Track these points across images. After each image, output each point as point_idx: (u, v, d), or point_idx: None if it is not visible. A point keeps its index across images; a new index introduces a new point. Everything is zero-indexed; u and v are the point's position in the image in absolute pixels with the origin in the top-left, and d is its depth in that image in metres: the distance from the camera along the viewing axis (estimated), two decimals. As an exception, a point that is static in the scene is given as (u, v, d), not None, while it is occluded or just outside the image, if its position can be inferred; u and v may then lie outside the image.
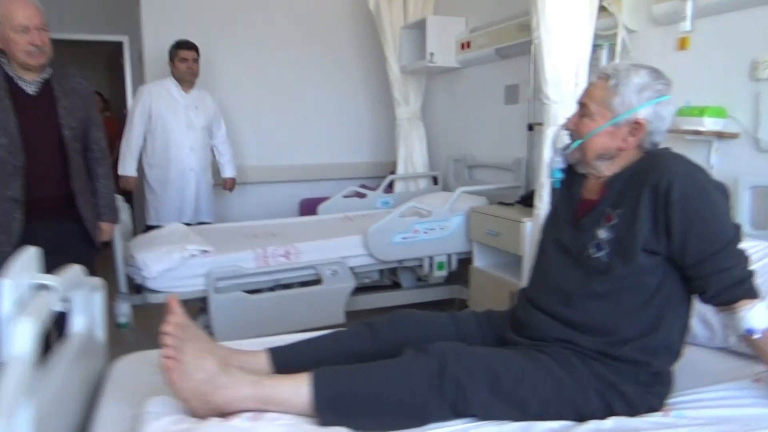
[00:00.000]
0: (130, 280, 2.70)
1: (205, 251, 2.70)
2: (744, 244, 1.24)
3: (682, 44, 2.33)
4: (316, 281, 2.87)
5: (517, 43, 3.10)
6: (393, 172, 4.12)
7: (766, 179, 2.00)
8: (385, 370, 1.17)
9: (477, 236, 2.98)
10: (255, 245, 2.83)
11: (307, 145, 4.57)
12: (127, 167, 3.53)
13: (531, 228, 2.61)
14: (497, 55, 3.37)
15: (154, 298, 2.66)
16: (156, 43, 4.03)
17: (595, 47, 2.63)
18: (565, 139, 1.42)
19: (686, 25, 2.16)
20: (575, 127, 1.36)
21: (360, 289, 3.15)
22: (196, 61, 3.55)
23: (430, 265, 3.06)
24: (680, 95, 2.30)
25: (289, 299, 2.83)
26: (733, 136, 2.16)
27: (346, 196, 3.83)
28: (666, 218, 1.20)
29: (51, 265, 1.93)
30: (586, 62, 2.50)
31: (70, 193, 2.14)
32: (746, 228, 1.98)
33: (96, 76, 6.90)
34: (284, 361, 1.28)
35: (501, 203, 3.08)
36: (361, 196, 3.86)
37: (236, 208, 4.35)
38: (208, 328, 2.71)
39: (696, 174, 1.22)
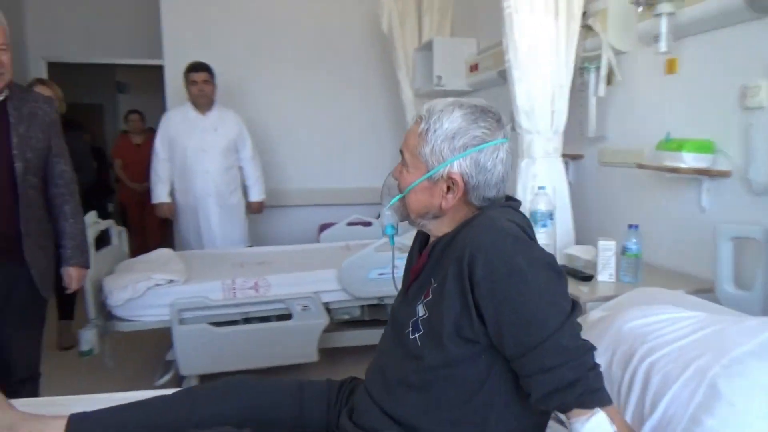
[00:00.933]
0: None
1: (171, 281, 2.67)
2: (586, 328, 0.99)
3: (670, 67, 2.02)
4: (288, 316, 2.76)
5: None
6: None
7: (750, 229, 1.64)
8: None
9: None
10: (225, 276, 2.77)
11: (329, 168, 4.51)
12: (157, 194, 3.61)
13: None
14: (500, 78, 3.13)
15: (119, 326, 2.67)
16: (177, 67, 4.16)
17: (582, 70, 2.35)
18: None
19: (661, 45, 1.85)
20: (399, 178, 1.14)
21: (345, 323, 3.01)
22: (207, 82, 3.52)
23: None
24: (665, 125, 2.00)
25: (258, 333, 2.73)
26: (723, 174, 1.82)
27: (350, 224, 3.70)
28: (474, 301, 0.97)
29: None
30: (565, 88, 2.24)
31: (15, 233, 1.87)
32: (728, 288, 1.65)
33: (155, 100, 7.28)
34: None
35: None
36: (366, 224, 3.71)
37: (269, 230, 4.35)
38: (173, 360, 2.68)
39: (505, 245, 0.95)
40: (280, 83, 4.37)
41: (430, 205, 1.08)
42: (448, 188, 1.06)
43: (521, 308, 0.93)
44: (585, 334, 0.98)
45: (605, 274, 1.91)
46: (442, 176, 1.05)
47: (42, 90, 2.73)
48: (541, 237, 2.09)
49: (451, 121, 1.05)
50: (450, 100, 1.09)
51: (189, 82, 3.53)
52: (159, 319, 2.65)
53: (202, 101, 3.55)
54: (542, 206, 2.10)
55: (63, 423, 1.18)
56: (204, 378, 2.78)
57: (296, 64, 4.40)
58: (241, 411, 1.21)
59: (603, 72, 2.21)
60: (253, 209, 3.79)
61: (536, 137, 2.24)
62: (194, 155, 3.53)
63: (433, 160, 1.06)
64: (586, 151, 2.51)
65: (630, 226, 1.88)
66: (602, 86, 2.24)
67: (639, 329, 1.28)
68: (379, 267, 2.77)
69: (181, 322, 2.62)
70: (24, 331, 2.00)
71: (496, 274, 0.93)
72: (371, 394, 1.12)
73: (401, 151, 1.13)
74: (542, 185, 2.18)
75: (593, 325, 1.44)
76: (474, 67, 3.42)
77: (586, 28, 2.30)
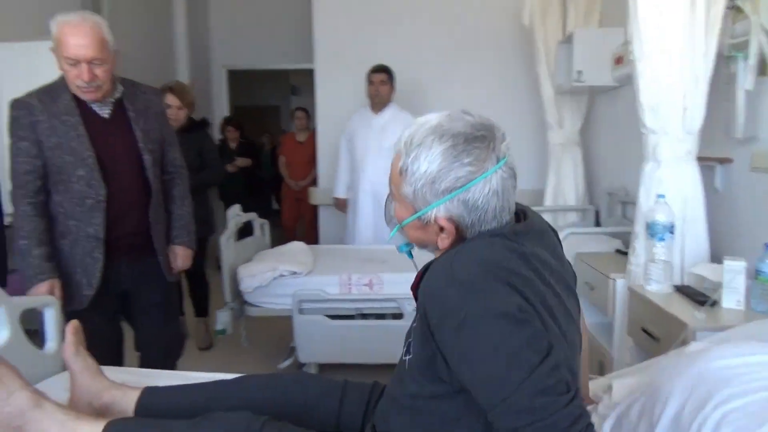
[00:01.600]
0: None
1: (294, 273, 2.85)
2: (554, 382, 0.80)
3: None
4: (399, 315, 2.79)
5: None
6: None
7: None
8: (199, 428, 1.11)
9: (581, 287, 2.53)
10: (343, 271, 2.88)
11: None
12: (336, 189, 3.96)
13: (622, 286, 2.12)
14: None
15: (250, 311, 2.92)
16: (328, 71, 4.45)
17: (728, 59, 2.02)
18: None
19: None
20: (394, 213, 1.05)
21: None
22: (384, 83, 3.61)
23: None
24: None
25: (370, 330, 2.80)
26: None
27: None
28: (437, 347, 0.89)
29: (134, 305, 1.99)
30: (703, 80, 1.94)
31: (149, 225, 1.95)
32: None
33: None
34: (149, 405, 1.30)
35: (618, 251, 2.56)
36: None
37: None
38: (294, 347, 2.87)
39: (453, 295, 0.84)
40: (422, 81, 4.39)
41: (427, 241, 1.00)
42: (441, 229, 0.95)
43: (476, 365, 0.83)
44: (668, 368, 0.81)
45: (731, 300, 1.62)
46: (430, 220, 0.94)
47: (171, 99, 3.04)
48: (659, 252, 1.85)
49: (429, 162, 0.90)
50: (431, 124, 0.93)
51: (368, 83, 3.67)
52: (283, 308, 2.85)
53: (376, 101, 3.66)
54: (661, 217, 1.84)
55: (135, 394, 1.33)
56: (322, 367, 2.93)
57: (439, 61, 4.39)
58: (283, 403, 1.26)
59: (752, 61, 1.87)
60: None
61: (663, 138, 1.97)
62: (361, 153, 3.70)
63: (418, 204, 0.94)
64: (736, 154, 2.14)
65: (767, 245, 1.57)
66: (751, 78, 1.89)
67: (726, 370, 1.07)
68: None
69: (301, 312, 2.79)
70: (164, 321, 2.08)
71: (446, 327, 0.85)
72: (379, 405, 1.10)
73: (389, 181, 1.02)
74: (666, 193, 1.92)
75: (684, 358, 1.24)
76: (619, 60, 3.09)
77: (735, 10, 1.96)
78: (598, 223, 3.46)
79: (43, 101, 1.77)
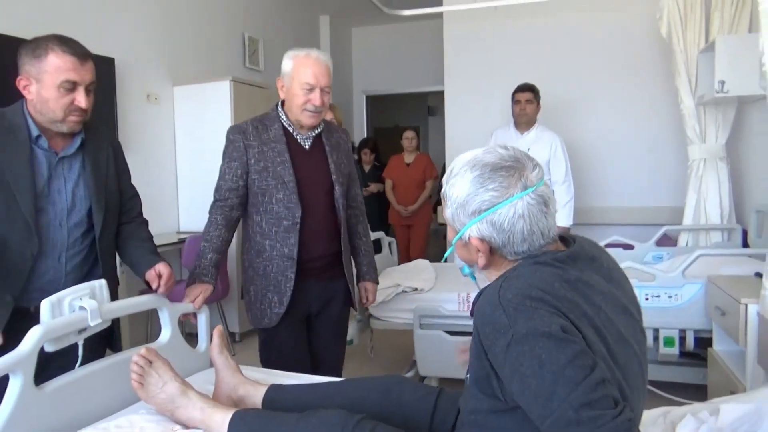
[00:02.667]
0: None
1: (416, 289, 3.00)
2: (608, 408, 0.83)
3: None
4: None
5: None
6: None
7: None
8: (303, 421, 1.27)
9: (712, 312, 2.37)
10: (461, 289, 2.96)
11: (600, 186, 4.30)
12: None
13: (755, 312, 1.96)
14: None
15: (375, 324, 3.11)
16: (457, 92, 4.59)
17: None
18: None
19: None
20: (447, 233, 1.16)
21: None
22: (530, 102, 3.60)
23: (655, 339, 2.57)
24: None
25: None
26: None
27: (608, 246, 3.47)
28: (491, 365, 0.96)
29: (316, 325, 2.11)
30: None
31: (338, 250, 2.05)
32: None
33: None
34: (273, 399, 1.50)
35: (758, 274, 2.35)
36: (627, 247, 3.44)
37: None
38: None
39: (501, 317, 0.92)
40: (564, 97, 4.34)
41: (471, 260, 1.10)
42: (478, 249, 1.06)
43: (525, 381, 0.89)
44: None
45: None
46: (468, 239, 1.06)
47: (329, 116, 3.29)
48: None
49: (460, 188, 1.03)
50: (468, 158, 1.06)
51: (513, 101, 3.69)
52: (405, 322, 3.00)
53: (522, 120, 3.67)
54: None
55: (263, 389, 1.54)
56: (442, 381, 3.03)
57: (571, 80, 4.32)
58: (381, 404, 1.39)
59: None
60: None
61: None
62: None
63: (456, 224, 1.07)
64: None
65: None
66: None
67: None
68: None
69: (421, 326, 2.92)
70: (335, 338, 2.18)
71: (496, 346, 0.92)
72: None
73: None
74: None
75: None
76: None
77: None
78: (745, 244, 3.17)
79: (256, 128, 1.97)
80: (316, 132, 2.03)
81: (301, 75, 1.89)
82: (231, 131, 1.99)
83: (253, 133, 1.96)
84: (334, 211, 2.03)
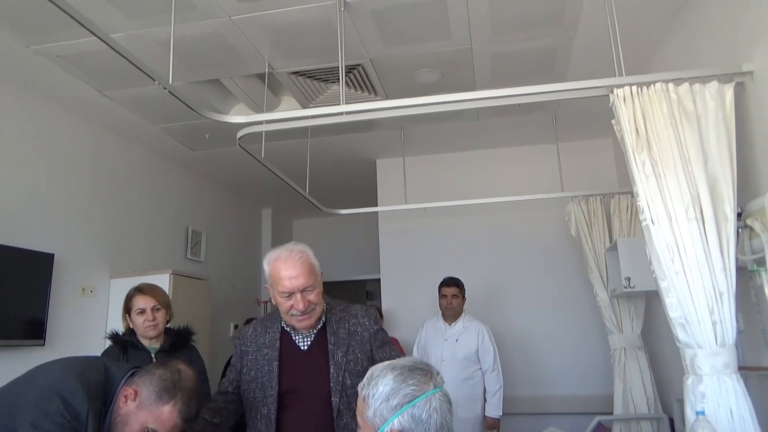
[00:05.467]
0: None
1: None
2: None
3: None
4: None
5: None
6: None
7: None
8: None
9: None
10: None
11: (526, 375, 4.41)
12: None
13: None
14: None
15: None
16: (390, 280, 4.78)
17: (752, 273, 2.12)
18: None
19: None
20: None
21: None
22: (455, 296, 3.79)
23: None
24: None
25: None
26: None
27: (545, 438, 3.47)
28: None
29: None
30: (727, 295, 2.03)
31: None
32: None
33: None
34: None
35: (686, 469, 2.40)
36: (564, 438, 3.44)
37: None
38: None
39: None
40: (490, 289, 4.61)
41: None
42: None
43: None
44: None
45: None
46: None
47: None
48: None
49: (384, 384, 1.18)
50: (385, 364, 1.24)
51: (440, 295, 3.86)
52: None
53: (449, 313, 3.83)
54: (703, 436, 1.81)
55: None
56: None
57: (495, 273, 4.64)
58: None
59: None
60: (486, 425, 3.63)
61: (699, 352, 2.01)
62: (436, 364, 3.77)
63: (377, 421, 1.17)
64: (783, 363, 2.12)
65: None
66: (775, 291, 1.96)
67: None
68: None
69: None
70: None
71: None
72: None
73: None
74: (709, 408, 1.90)
75: None
76: (664, 266, 3.21)
77: (748, 229, 2.11)
78: (674, 433, 3.26)
79: (256, 331, 1.91)
80: (319, 326, 1.86)
81: (276, 282, 1.77)
82: (237, 333, 1.99)
83: (251, 337, 1.91)
84: (332, 425, 1.78)
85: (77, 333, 3.75)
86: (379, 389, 1.18)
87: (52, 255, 3.43)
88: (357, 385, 1.83)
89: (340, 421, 1.77)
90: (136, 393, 1.50)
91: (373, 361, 1.82)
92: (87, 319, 3.84)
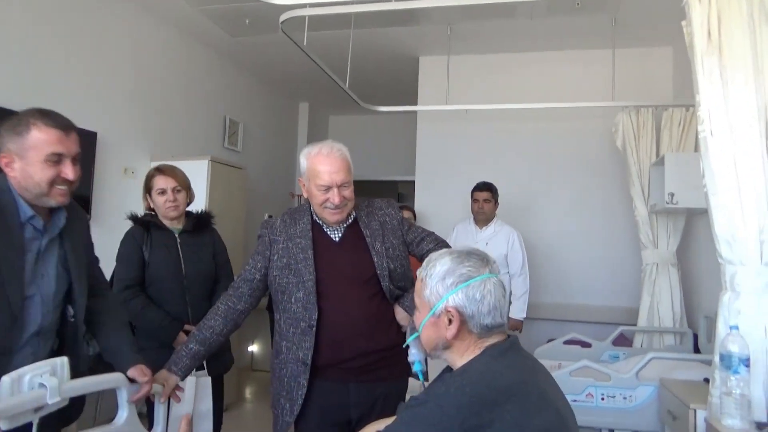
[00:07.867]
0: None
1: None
2: None
3: None
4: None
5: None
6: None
7: None
8: None
9: (665, 416, 2.43)
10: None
11: (562, 284, 4.45)
12: None
13: (702, 418, 2.04)
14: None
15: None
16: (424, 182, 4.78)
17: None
18: None
19: None
20: (414, 320, 1.34)
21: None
22: (487, 201, 3.83)
23: (611, 440, 2.60)
24: None
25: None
26: None
27: (566, 343, 3.56)
28: None
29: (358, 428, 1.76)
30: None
31: (384, 347, 1.82)
32: None
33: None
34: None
35: (706, 380, 2.44)
36: (585, 345, 3.52)
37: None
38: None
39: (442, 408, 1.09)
40: (524, 196, 4.56)
41: (438, 337, 1.25)
42: (450, 320, 1.22)
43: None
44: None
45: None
46: (442, 311, 1.23)
47: None
48: (734, 385, 1.80)
49: (441, 264, 1.24)
50: (444, 249, 1.31)
51: (472, 200, 3.89)
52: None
53: (480, 217, 3.89)
54: (734, 348, 1.81)
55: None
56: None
57: (532, 180, 4.57)
58: None
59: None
60: (509, 326, 3.68)
61: (740, 269, 1.97)
62: None
63: (433, 299, 1.24)
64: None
65: None
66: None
67: None
68: (572, 393, 2.63)
69: None
70: None
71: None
72: None
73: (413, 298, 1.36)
74: (745, 324, 1.89)
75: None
76: (711, 184, 3.10)
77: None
78: (696, 347, 3.29)
79: (285, 222, 1.92)
80: (349, 221, 1.91)
81: (315, 175, 1.80)
82: (261, 226, 1.96)
83: (281, 227, 1.92)
84: (374, 307, 1.83)
85: (120, 212, 3.88)
86: (437, 269, 1.24)
87: (95, 133, 3.48)
88: (399, 269, 1.94)
89: (382, 305, 1.86)
90: (5, 155, 1.47)
91: (405, 244, 1.98)
92: (129, 199, 3.96)
